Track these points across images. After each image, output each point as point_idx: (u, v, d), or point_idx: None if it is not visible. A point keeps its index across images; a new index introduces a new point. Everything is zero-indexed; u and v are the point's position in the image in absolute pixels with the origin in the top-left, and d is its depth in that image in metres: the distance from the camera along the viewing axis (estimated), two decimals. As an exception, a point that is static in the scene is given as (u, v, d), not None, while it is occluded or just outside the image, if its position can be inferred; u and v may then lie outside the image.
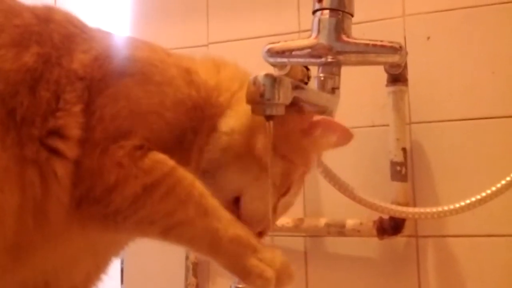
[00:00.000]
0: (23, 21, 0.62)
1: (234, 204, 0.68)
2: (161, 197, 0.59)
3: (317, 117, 0.73)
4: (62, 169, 0.58)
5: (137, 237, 0.69)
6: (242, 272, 0.62)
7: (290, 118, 0.68)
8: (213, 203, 0.62)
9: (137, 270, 1.32)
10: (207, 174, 0.68)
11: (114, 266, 1.31)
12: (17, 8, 0.63)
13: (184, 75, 0.68)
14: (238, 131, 0.68)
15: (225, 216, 0.63)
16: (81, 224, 0.60)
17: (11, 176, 0.56)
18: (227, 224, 0.62)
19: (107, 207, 0.59)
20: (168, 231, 0.61)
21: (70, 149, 0.59)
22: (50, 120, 0.58)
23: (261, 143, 0.67)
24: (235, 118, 0.69)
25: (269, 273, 0.61)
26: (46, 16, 0.64)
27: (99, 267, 0.71)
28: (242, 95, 0.67)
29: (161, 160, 0.61)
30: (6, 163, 0.56)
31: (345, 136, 0.78)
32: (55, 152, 0.58)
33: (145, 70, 0.66)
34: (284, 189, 0.71)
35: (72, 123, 0.59)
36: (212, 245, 0.62)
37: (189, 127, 0.66)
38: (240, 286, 1.04)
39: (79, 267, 0.68)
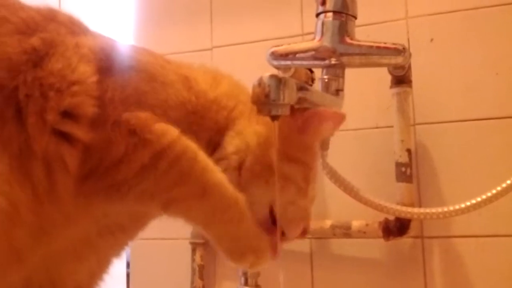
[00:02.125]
0: (28, 14, 0.62)
1: (271, 216, 0.69)
2: (165, 170, 0.60)
3: (306, 112, 0.74)
4: (71, 157, 0.58)
5: (142, 208, 0.69)
6: (234, 254, 0.65)
7: (284, 122, 0.69)
8: (214, 179, 0.63)
9: (143, 273, 1.33)
10: None
11: (120, 269, 1.32)
12: (21, 5, 0.64)
13: (184, 81, 0.69)
14: (245, 150, 0.69)
15: (225, 194, 0.64)
16: (87, 200, 0.61)
17: (16, 172, 0.56)
18: (227, 219, 0.64)
19: (114, 178, 0.60)
20: (168, 205, 0.63)
21: (83, 132, 0.59)
22: (66, 97, 0.58)
23: (275, 155, 0.68)
24: (238, 138, 0.70)
25: (248, 257, 0.64)
26: (50, 15, 0.65)
27: (102, 267, 0.72)
28: (237, 113, 0.70)
29: (168, 127, 0.62)
30: (8, 160, 0.55)
31: (338, 118, 0.79)
32: (66, 138, 0.58)
33: (149, 70, 0.67)
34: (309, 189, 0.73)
35: (87, 100, 0.59)
36: (206, 223, 0.64)
37: (187, 131, 0.66)
38: (246, 288, 1.04)
39: (84, 265, 0.69)
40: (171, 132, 0.62)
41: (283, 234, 0.70)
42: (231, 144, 0.70)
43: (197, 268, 1.24)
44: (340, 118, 0.79)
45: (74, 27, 0.66)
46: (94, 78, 0.60)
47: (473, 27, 1.12)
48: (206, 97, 0.70)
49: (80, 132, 0.59)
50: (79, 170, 0.59)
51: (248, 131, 0.70)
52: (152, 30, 1.38)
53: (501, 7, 1.10)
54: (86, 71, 0.60)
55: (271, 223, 0.69)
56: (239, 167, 0.69)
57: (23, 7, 0.64)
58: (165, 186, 0.61)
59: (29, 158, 0.57)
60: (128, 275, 1.34)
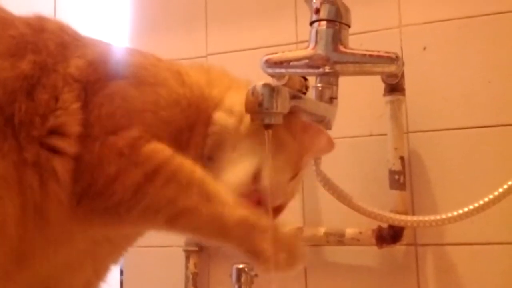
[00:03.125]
0: (18, 32, 0.63)
1: (253, 182, 0.67)
2: (163, 184, 0.59)
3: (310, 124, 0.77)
4: (62, 167, 0.58)
5: (143, 229, 0.68)
6: (253, 254, 0.61)
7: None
8: (216, 187, 0.62)
9: (136, 281, 1.32)
10: (213, 160, 0.68)
11: (114, 277, 1.31)
12: (10, 19, 0.64)
13: (177, 77, 0.69)
14: (241, 109, 0.69)
15: (229, 199, 0.62)
16: (82, 223, 0.60)
17: (10, 183, 0.56)
18: (232, 207, 0.61)
19: (109, 199, 0.58)
20: (174, 220, 0.60)
21: (70, 146, 0.59)
22: (50, 119, 0.59)
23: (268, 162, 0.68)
24: (233, 99, 0.70)
25: (279, 256, 0.61)
26: (39, 26, 0.65)
27: (99, 275, 0.71)
28: (234, 88, 0.71)
29: (160, 148, 0.61)
30: (4, 170, 0.56)
31: (330, 144, 0.81)
32: (55, 150, 0.59)
33: (138, 74, 0.67)
34: (294, 172, 0.72)
35: (71, 120, 0.60)
36: (219, 230, 0.61)
37: (184, 125, 0.67)
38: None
39: (79, 274, 0.68)
40: (162, 152, 0.61)
41: (259, 202, 0.68)
42: (226, 104, 0.70)
43: (190, 276, 1.24)
44: (331, 146, 0.82)
45: (64, 36, 0.66)
46: (77, 104, 0.61)
47: (465, 35, 1.13)
48: (199, 85, 0.70)
49: (67, 146, 0.59)
50: (72, 185, 0.59)
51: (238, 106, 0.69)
52: (147, 37, 1.38)
53: (493, 16, 1.11)
54: (68, 99, 0.60)
55: (253, 189, 0.67)
56: (232, 127, 0.69)
57: (13, 22, 0.64)
58: (168, 199, 0.60)
59: (23, 168, 0.57)
60: (121, 282, 1.34)
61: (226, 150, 0.69)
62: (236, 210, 0.61)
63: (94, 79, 0.63)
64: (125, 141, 0.60)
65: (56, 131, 0.59)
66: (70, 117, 0.60)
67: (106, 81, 0.63)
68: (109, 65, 0.66)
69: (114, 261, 0.72)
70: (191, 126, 0.68)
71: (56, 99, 0.60)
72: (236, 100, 0.70)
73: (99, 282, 0.71)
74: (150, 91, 0.65)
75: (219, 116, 0.70)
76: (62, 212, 0.59)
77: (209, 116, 0.70)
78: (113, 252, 0.71)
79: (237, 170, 0.67)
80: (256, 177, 0.67)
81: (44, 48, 0.63)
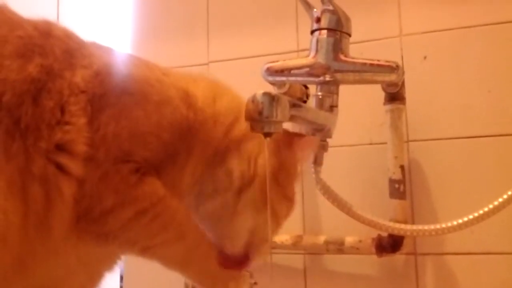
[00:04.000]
0: (26, 33, 0.63)
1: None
2: (147, 223, 0.64)
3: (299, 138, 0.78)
4: (68, 187, 0.60)
5: (120, 252, 0.73)
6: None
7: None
8: (194, 233, 0.68)
9: (136, 285, 1.32)
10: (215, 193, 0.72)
11: (114, 284, 1.31)
12: (17, 20, 0.65)
13: (183, 96, 0.70)
14: (251, 176, 0.71)
15: (202, 246, 0.69)
16: (79, 239, 0.63)
17: (15, 191, 0.57)
18: (201, 255, 0.69)
19: (103, 228, 0.63)
20: (146, 251, 0.67)
21: (77, 167, 0.61)
22: (57, 133, 0.60)
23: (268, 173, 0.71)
24: (246, 163, 0.72)
25: None
26: (46, 30, 0.65)
27: (93, 282, 0.72)
28: (239, 131, 0.72)
29: (153, 189, 0.65)
30: (10, 176, 0.57)
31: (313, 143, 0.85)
32: (61, 168, 0.60)
33: (144, 89, 0.67)
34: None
35: (79, 138, 0.61)
36: (181, 267, 0.69)
37: (183, 147, 0.69)
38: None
39: (74, 281, 0.69)
40: (154, 194, 0.65)
41: (248, 259, 0.73)
42: (238, 167, 0.71)
43: (190, 285, 1.24)
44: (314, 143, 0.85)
45: (70, 42, 0.66)
46: (84, 120, 0.62)
47: (466, 45, 1.13)
48: (204, 114, 0.71)
49: (74, 166, 0.61)
50: (75, 204, 0.61)
51: (259, 159, 0.71)
52: (149, 44, 1.39)
53: (493, 26, 1.11)
54: (75, 113, 0.62)
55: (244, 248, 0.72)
56: (240, 191, 0.71)
57: (21, 23, 0.64)
58: (146, 236, 0.66)
59: (29, 177, 0.58)
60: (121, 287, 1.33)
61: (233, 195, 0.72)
62: (203, 258, 0.69)
63: (100, 92, 0.64)
64: (121, 177, 0.63)
65: (63, 148, 0.60)
66: (78, 134, 0.61)
67: (112, 96, 0.64)
68: (115, 78, 0.66)
69: (108, 268, 0.73)
70: (189, 150, 0.70)
71: (62, 108, 0.61)
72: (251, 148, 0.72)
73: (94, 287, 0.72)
74: (153, 111, 0.67)
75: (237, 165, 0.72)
76: (64, 226, 0.61)
77: (209, 141, 0.71)
78: (106, 258, 0.72)
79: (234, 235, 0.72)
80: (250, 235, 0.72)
81: (51, 53, 0.63)
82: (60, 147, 0.60)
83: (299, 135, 0.80)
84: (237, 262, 0.72)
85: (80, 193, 0.61)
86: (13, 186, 0.57)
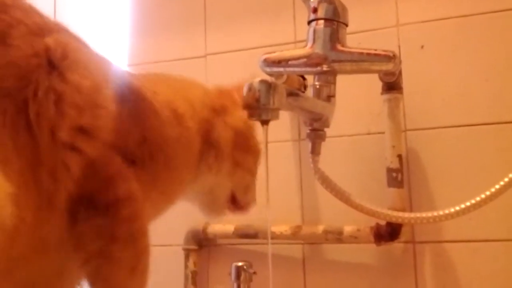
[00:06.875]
0: (42, 20, 0.62)
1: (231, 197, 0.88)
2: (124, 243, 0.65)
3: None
4: (76, 163, 0.59)
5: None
6: None
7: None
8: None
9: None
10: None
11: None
12: (36, 10, 0.64)
13: (176, 116, 0.73)
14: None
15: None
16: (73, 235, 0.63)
17: (26, 182, 0.55)
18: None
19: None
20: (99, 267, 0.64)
21: (92, 147, 0.59)
22: (87, 116, 0.58)
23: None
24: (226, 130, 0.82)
25: None
26: (60, 27, 0.65)
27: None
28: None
29: (138, 214, 0.65)
30: (19, 166, 0.54)
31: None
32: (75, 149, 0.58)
33: (151, 102, 0.70)
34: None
35: (107, 124, 0.60)
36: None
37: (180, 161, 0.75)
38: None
39: (66, 278, 0.68)
40: (139, 220, 0.66)
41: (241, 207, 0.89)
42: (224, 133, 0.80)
43: (190, 275, 1.24)
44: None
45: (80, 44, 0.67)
46: (114, 106, 0.61)
47: (463, 34, 1.13)
48: (190, 130, 0.76)
49: (89, 147, 0.59)
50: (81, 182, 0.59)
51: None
52: (146, 37, 1.39)
53: (490, 15, 1.12)
54: (109, 96, 0.61)
55: (231, 202, 0.88)
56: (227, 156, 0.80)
57: (38, 12, 0.63)
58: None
59: (39, 168, 0.56)
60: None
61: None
62: None
63: (118, 92, 0.64)
64: (110, 200, 0.62)
65: (86, 130, 0.59)
66: (108, 121, 0.61)
67: (126, 99, 0.66)
68: (124, 84, 0.68)
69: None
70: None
71: (99, 91, 0.61)
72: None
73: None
74: (158, 125, 0.70)
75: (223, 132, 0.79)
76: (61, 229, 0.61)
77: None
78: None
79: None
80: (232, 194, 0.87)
81: (68, 38, 0.63)
82: (83, 130, 0.58)
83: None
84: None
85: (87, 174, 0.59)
86: (24, 178, 0.55)
